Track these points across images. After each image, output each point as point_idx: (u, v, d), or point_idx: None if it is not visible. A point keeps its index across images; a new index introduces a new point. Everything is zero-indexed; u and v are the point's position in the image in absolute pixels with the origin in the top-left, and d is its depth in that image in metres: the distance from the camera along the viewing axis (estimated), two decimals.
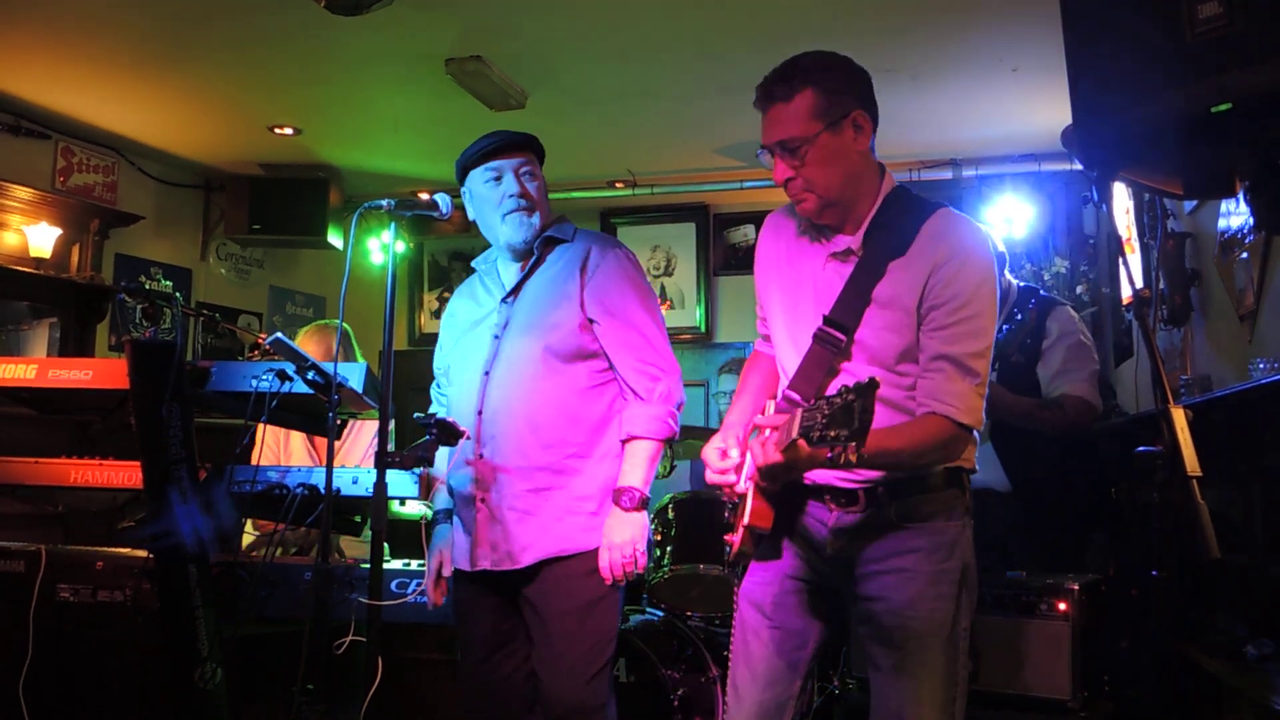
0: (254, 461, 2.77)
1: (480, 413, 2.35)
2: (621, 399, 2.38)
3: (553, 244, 2.45)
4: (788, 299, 2.03)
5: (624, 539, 2.25)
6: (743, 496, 1.94)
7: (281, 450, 3.56)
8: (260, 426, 3.28)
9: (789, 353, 2.01)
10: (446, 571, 2.43)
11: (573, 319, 2.34)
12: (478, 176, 2.42)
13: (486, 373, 2.38)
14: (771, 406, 1.97)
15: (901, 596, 1.87)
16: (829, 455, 1.55)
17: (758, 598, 2.04)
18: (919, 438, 1.82)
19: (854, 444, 1.51)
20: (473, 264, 2.60)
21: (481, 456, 2.33)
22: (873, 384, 1.51)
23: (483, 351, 2.40)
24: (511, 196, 2.38)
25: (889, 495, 1.89)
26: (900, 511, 1.90)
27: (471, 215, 2.48)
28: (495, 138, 2.41)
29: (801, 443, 1.62)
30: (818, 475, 1.94)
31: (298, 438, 3.59)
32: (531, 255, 2.44)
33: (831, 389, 1.87)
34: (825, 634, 2.03)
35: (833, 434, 1.53)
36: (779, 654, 2.00)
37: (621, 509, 2.27)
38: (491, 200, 2.40)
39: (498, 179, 2.40)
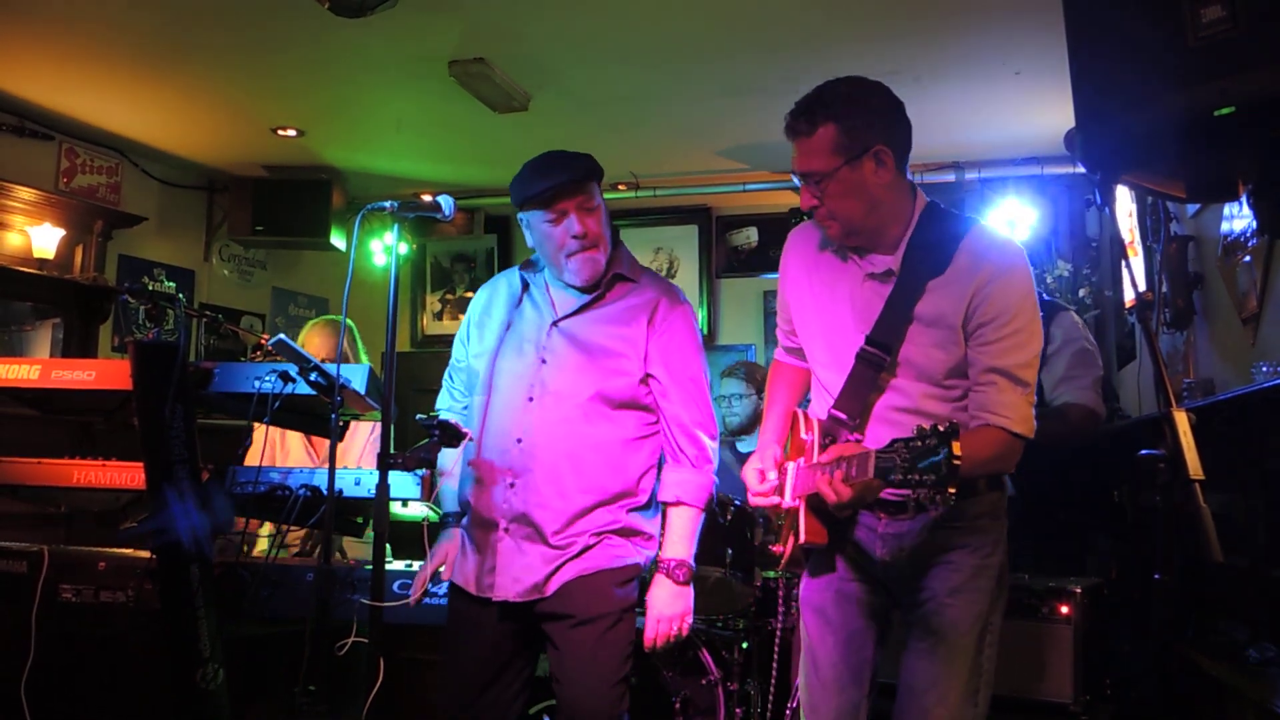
0: (248, 461, 2.77)
1: (520, 440, 2.29)
2: (658, 452, 2.37)
3: (619, 281, 2.39)
4: (825, 317, 2.07)
5: (675, 612, 2.27)
6: (791, 512, 2.01)
7: (279, 449, 3.56)
8: (259, 426, 3.28)
9: (830, 372, 2.06)
10: (445, 576, 2.41)
11: (634, 370, 2.31)
12: (539, 215, 2.33)
13: (530, 399, 2.31)
14: (814, 424, 2.02)
15: (944, 587, 1.97)
16: (912, 495, 1.59)
17: (818, 603, 2.11)
18: (977, 449, 1.85)
19: (939, 493, 1.55)
20: (519, 269, 2.50)
21: (513, 485, 2.28)
22: (953, 429, 1.55)
23: (527, 375, 2.33)
24: (575, 238, 2.30)
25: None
26: (948, 516, 1.96)
27: (530, 242, 2.41)
28: (556, 176, 2.28)
29: (877, 482, 1.68)
30: None
31: (295, 437, 3.59)
32: (596, 287, 2.37)
33: (878, 407, 1.97)
34: (883, 633, 2.11)
35: (914, 479, 1.57)
36: (845, 657, 2.07)
37: (675, 582, 2.27)
38: (554, 238, 2.32)
39: (558, 220, 2.30)
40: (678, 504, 2.31)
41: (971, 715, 1.96)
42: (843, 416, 1.97)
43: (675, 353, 2.34)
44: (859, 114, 1.92)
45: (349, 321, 3.72)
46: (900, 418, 1.96)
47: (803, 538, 1.94)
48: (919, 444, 1.57)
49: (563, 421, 2.28)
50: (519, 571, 2.26)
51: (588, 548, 2.27)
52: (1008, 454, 1.91)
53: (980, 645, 1.97)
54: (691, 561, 2.30)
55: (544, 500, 2.26)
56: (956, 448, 1.53)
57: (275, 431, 3.47)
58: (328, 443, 3.57)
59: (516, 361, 2.36)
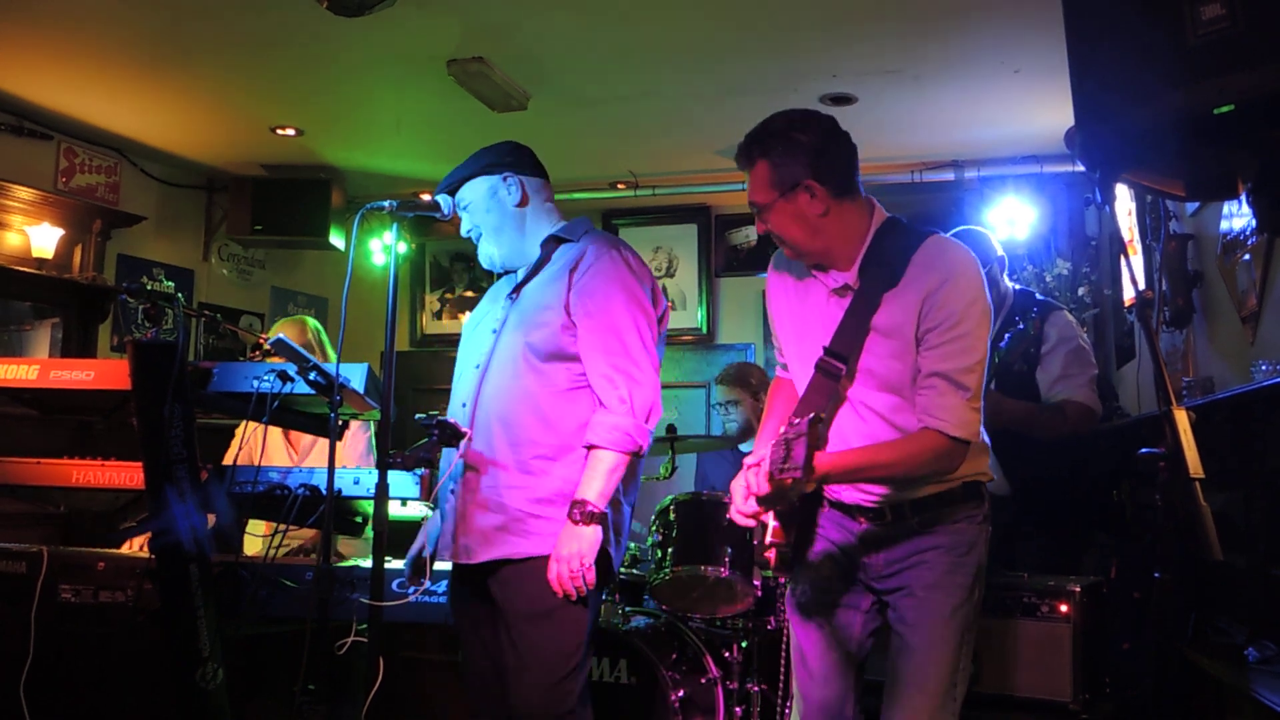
0: (228, 460, 2.77)
1: (464, 405, 2.37)
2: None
3: (558, 243, 2.44)
4: (798, 333, 2.17)
5: (569, 552, 2.19)
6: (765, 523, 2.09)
7: (259, 449, 3.55)
8: (241, 425, 3.29)
9: (801, 381, 2.15)
10: (422, 551, 2.46)
11: (557, 319, 2.30)
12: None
13: (478, 367, 2.39)
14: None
15: (922, 582, 2.05)
16: (788, 485, 1.75)
17: (802, 601, 2.21)
18: (912, 451, 1.96)
19: (798, 475, 1.69)
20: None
21: (466, 451, 2.34)
22: (816, 419, 1.69)
23: (483, 347, 2.41)
24: (468, 232, 2.48)
25: (912, 510, 2.06)
26: (923, 521, 2.06)
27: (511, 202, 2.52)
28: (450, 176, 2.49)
29: (780, 476, 1.79)
30: (844, 495, 2.12)
31: (275, 436, 3.58)
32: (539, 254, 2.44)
33: (842, 416, 2.07)
34: (866, 629, 2.18)
35: (784, 467, 1.72)
36: (830, 651, 2.16)
37: (571, 521, 2.21)
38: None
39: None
40: (591, 447, 2.25)
41: (951, 709, 2.03)
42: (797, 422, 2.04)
43: (592, 297, 2.30)
44: (788, 151, 2.02)
45: (313, 322, 3.74)
46: (868, 427, 2.05)
47: (768, 538, 2.03)
48: (786, 435, 1.73)
49: (496, 381, 2.34)
50: (457, 531, 2.31)
51: (522, 519, 2.25)
52: (947, 456, 1.96)
53: (960, 639, 2.04)
54: (596, 503, 2.21)
55: (479, 458, 2.30)
56: (815, 436, 1.69)
57: (256, 430, 3.46)
58: (304, 441, 3.60)
59: (477, 342, 2.45)
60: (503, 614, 2.28)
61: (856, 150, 2.07)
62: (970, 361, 1.95)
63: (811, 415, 1.68)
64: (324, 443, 3.53)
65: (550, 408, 2.29)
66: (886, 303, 1.99)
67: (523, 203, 2.46)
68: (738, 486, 2.11)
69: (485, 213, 2.45)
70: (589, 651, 2.32)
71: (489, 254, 2.49)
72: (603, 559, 2.26)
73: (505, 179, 2.45)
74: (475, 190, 2.46)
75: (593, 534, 2.20)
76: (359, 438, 3.65)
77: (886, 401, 2.03)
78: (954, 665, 2.03)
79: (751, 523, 2.08)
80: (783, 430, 1.78)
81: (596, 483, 2.22)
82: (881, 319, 2.00)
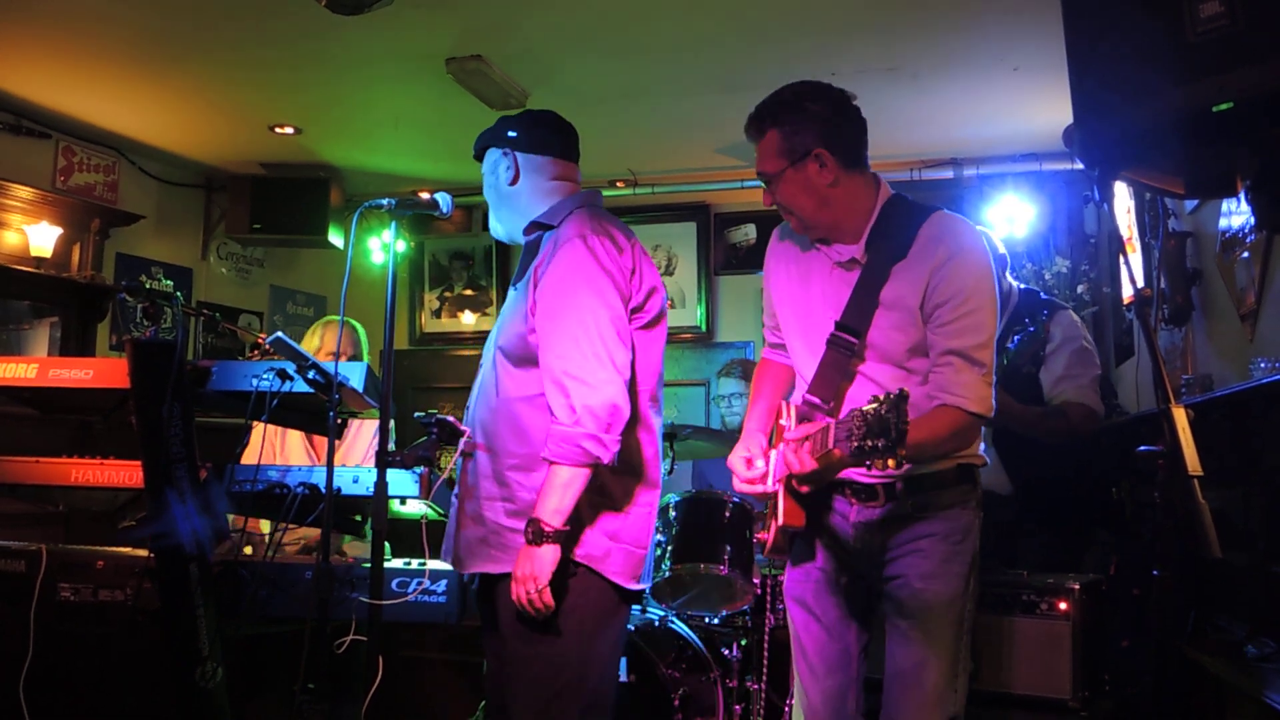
0: (245, 460, 2.77)
1: (469, 410, 2.34)
2: None
3: (539, 229, 2.29)
4: (800, 308, 2.16)
5: (522, 573, 2.06)
6: (773, 497, 2.07)
7: (279, 449, 3.56)
8: (258, 426, 3.30)
9: (805, 358, 2.14)
10: None
11: (524, 322, 2.16)
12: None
13: (482, 366, 2.34)
14: (791, 411, 2.10)
15: (918, 571, 2.03)
16: (867, 464, 1.65)
17: (799, 593, 2.20)
18: (934, 428, 1.94)
19: (891, 455, 1.60)
20: None
21: (462, 451, 2.30)
22: (903, 395, 1.60)
23: (486, 346, 2.37)
24: None
25: (906, 490, 2.04)
26: (917, 504, 2.04)
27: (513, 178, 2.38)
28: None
29: (837, 451, 1.74)
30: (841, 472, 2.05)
31: (296, 436, 3.59)
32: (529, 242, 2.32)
33: (851, 391, 2.05)
34: (864, 619, 2.18)
35: (869, 445, 1.63)
36: (830, 642, 2.15)
37: (525, 540, 2.06)
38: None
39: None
40: (547, 462, 2.07)
41: (951, 700, 2.03)
42: (817, 401, 2.04)
43: (551, 297, 2.10)
44: (799, 120, 2.02)
45: (356, 324, 3.75)
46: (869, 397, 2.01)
47: (781, 520, 2.00)
48: (872, 412, 1.63)
49: (482, 385, 2.30)
50: (454, 537, 2.28)
51: (500, 533, 2.16)
52: (965, 432, 1.99)
53: (959, 629, 2.04)
54: (549, 521, 2.03)
55: (470, 465, 2.26)
56: (905, 411, 1.59)
57: (275, 432, 3.47)
58: (327, 442, 3.61)
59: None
60: (494, 627, 2.23)
61: (866, 124, 2.08)
62: (983, 338, 1.96)
63: (900, 390, 1.58)
64: (347, 444, 3.56)
65: (525, 415, 2.15)
66: (895, 275, 1.99)
67: (514, 181, 2.31)
68: (738, 460, 2.13)
69: (488, 188, 2.36)
70: (598, 667, 2.18)
71: (494, 228, 2.39)
72: (591, 581, 2.14)
73: (505, 154, 2.31)
74: (486, 161, 2.36)
75: (548, 554, 2.04)
76: (374, 442, 3.65)
77: (887, 373, 2.03)
78: (954, 656, 2.03)
79: (757, 489, 2.08)
80: (863, 410, 1.64)
81: (551, 499, 2.05)
82: (889, 292, 1.99)
